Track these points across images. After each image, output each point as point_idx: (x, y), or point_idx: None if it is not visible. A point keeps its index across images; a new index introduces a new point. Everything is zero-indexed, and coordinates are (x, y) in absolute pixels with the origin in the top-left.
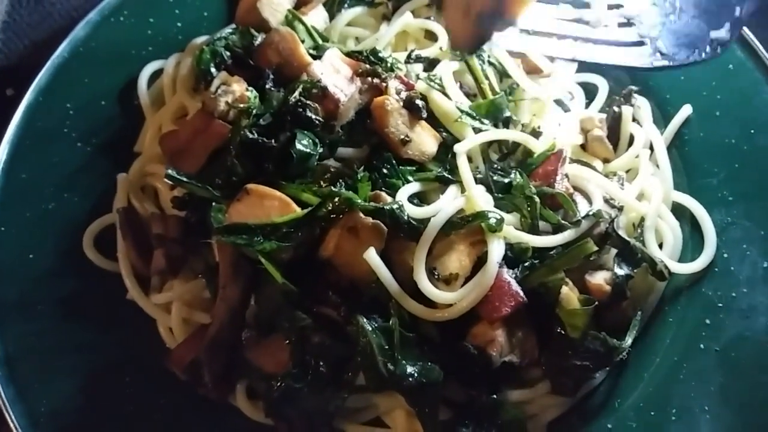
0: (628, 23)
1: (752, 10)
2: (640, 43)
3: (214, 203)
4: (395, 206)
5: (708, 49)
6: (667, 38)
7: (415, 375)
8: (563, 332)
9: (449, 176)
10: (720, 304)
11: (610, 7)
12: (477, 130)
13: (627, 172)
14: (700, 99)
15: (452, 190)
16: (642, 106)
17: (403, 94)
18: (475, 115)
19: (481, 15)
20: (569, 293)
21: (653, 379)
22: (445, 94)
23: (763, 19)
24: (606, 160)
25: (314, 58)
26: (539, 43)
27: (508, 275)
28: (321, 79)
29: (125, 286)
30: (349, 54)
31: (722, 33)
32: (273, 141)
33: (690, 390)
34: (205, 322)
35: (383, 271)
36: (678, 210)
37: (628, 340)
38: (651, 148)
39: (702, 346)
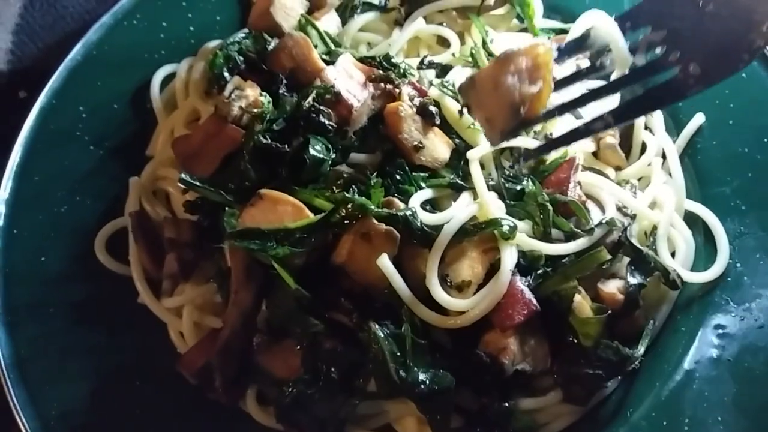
0: (655, 47)
1: None
2: (671, 70)
3: (226, 208)
4: (408, 213)
5: (746, 56)
6: (700, 54)
7: (427, 382)
8: (576, 341)
9: (462, 183)
10: (733, 314)
11: (630, 28)
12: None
13: (639, 180)
14: (713, 107)
15: (465, 196)
16: (654, 114)
17: (417, 101)
18: None
19: (504, 132)
20: (582, 302)
21: (665, 389)
22: (458, 101)
23: None
24: (618, 168)
25: (327, 63)
26: (567, 129)
27: (521, 283)
28: (334, 84)
29: (136, 289)
30: (362, 59)
31: (763, 29)
32: (286, 146)
33: (703, 400)
34: (217, 326)
35: (396, 277)
36: (691, 219)
37: (641, 349)
38: (663, 156)
39: (715, 355)
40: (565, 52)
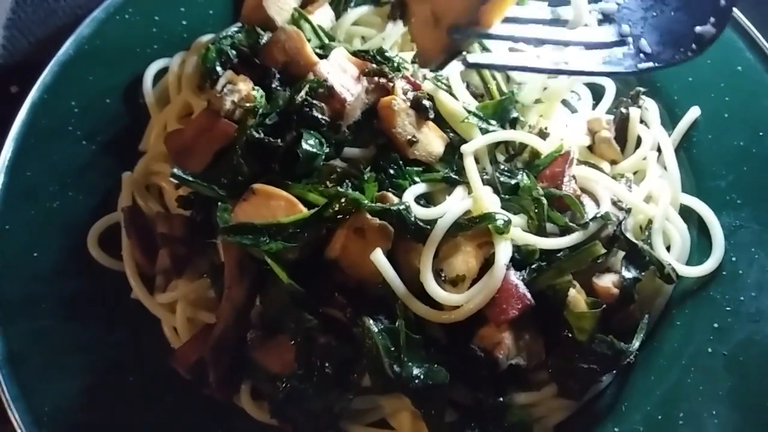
0: (608, 20)
1: None
2: (622, 44)
3: (219, 203)
4: (402, 207)
5: (693, 45)
6: (650, 36)
7: (421, 377)
8: (570, 335)
9: (456, 177)
10: (728, 308)
11: (590, 1)
12: (484, 131)
13: (634, 174)
14: (709, 101)
15: (459, 191)
16: (650, 107)
17: (410, 95)
18: (482, 115)
19: (453, 27)
20: (577, 296)
21: (660, 383)
22: (452, 95)
23: None
24: (613, 162)
25: (320, 57)
26: (513, 57)
27: (515, 277)
28: (327, 78)
29: (130, 285)
30: (356, 53)
31: (707, 27)
32: (279, 140)
33: (698, 394)
34: (210, 321)
35: (390, 272)
36: (686, 213)
37: (636, 344)
38: (659, 150)
39: (710, 349)
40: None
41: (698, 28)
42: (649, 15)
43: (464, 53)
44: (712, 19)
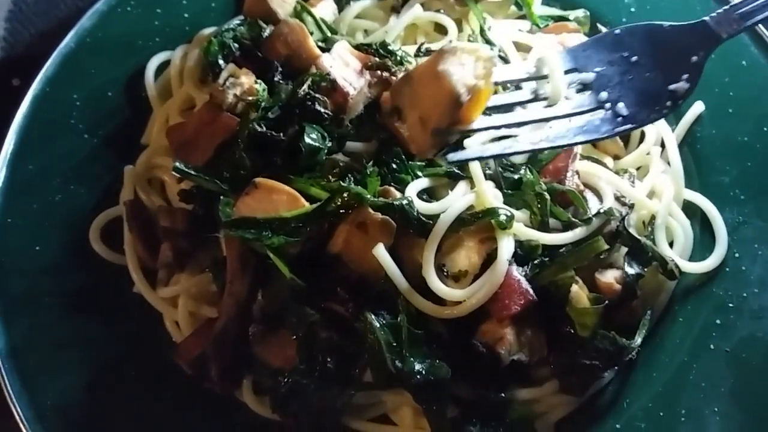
0: (586, 89)
1: (709, 53)
2: (599, 110)
3: (222, 197)
4: (404, 202)
5: (668, 102)
6: (627, 99)
7: (423, 372)
8: (572, 331)
9: (459, 172)
10: (731, 304)
11: (568, 71)
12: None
13: (638, 169)
14: (713, 96)
15: (462, 186)
16: None
17: None
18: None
19: (435, 129)
20: (579, 292)
21: (662, 380)
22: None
23: None
24: (616, 157)
25: (323, 50)
26: (490, 146)
27: (517, 273)
28: (330, 72)
29: (132, 279)
30: (358, 47)
31: (681, 84)
32: (281, 134)
33: (700, 391)
34: (212, 316)
35: (392, 267)
36: (689, 208)
37: (638, 340)
38: (662, 145)
39: (712, 346)
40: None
41: (672, 86)
42: (626, 78)
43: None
44: (684, 76)
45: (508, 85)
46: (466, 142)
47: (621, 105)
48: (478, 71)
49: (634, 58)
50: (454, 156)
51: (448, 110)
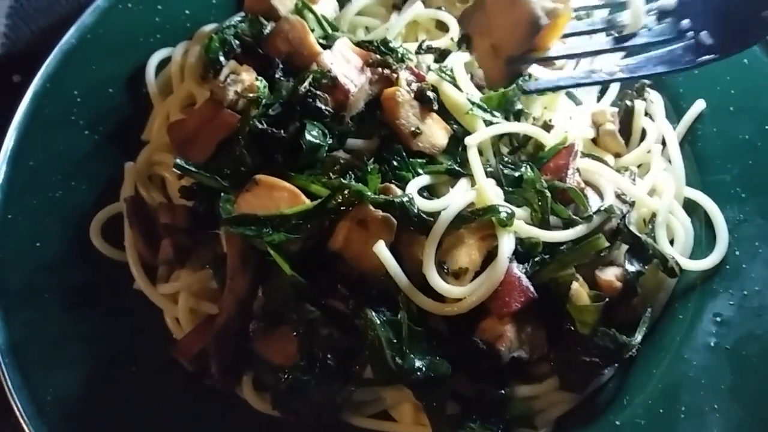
0: (667, 17)
1: None
2: (681, 39)
3: (222, 193)
4: (405, 199)
5: (759, 31)
6: (711, 27)
7: (423, 369)
8: (573, 328)
9: (460, 169)
10: (731, 302)
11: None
12: (488, 123)
13: (639, 167)
14: (714, 94)
15: (463, 183)
16: (655, 100)
17: (414, 86)
18: (486, 107)
19: (509, 57)
20: (579, 289)
21: (662, 377)
22: (456, 86)
23: None
24: (618, 155)
25: (324, 47)
26: (568, 76)
27: (518, 270)
28: (331, 69)
29: (132, 275)
30: (360, 44)
31: None
32: (282, 131)
33: (700, 388)
34: (213, 312)
35: (392, 264)
36: (690, 206)
37: (638, 337)
38: (663, 143)
39: (712, 343)
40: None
41: (765, 12)
42: (709, 6)
43: (523, 79)
44: None
45: (584, 14)
46: (540, 71)
47: (704, 34)
48: None
49: None
50: (529, 85)
51: (525, 36)
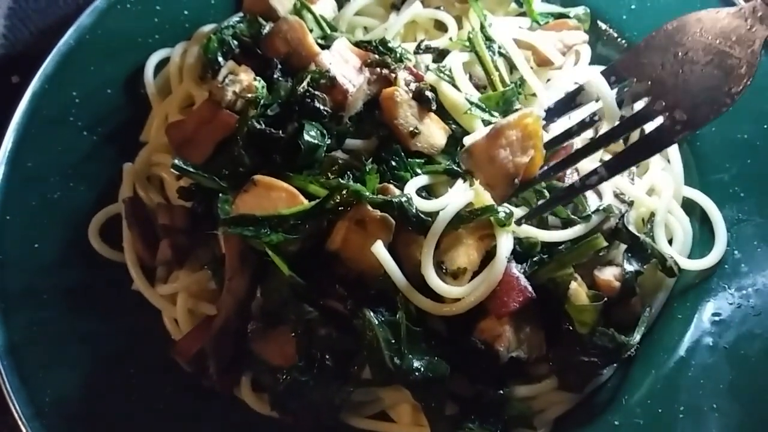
0: (640, 98)
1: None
2: (657, 117)
3: (220, 194)
4: (403, 199)
5: (728, 100)
6: (684, 101)
7: (422, 369)
8: (571, 328)
9: (458, 169)
10: (730, 302)
11: (616, 82)
12: (486, 123)
13: (637, 166)
14: None
15: (461, 183)
16: None
17: (413, 86)
18: (484, 107)
19: (504, 197)
20: (578, 289)
21: (661, 376)
22: (455, 86)
23: None
24: None
25: (322, 47)
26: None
27: (516, 270)
28: (329, 69)
29: (130, 276)
30: (358, 44)
31: (743, 70)
32: (280, 132)
33: (698, 387)
34: (211, 313)
35: (391, 264)
36: (688, 205)
37: (637, 337)
38: None
39: (711, 343)
40: (554, 113)
41: (731, 79)
42: (680, 80)
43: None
44: (747, 55)
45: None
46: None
47: (679, 112)
48: (526, 143)
49: (687, 53)
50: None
51: (508, 184)
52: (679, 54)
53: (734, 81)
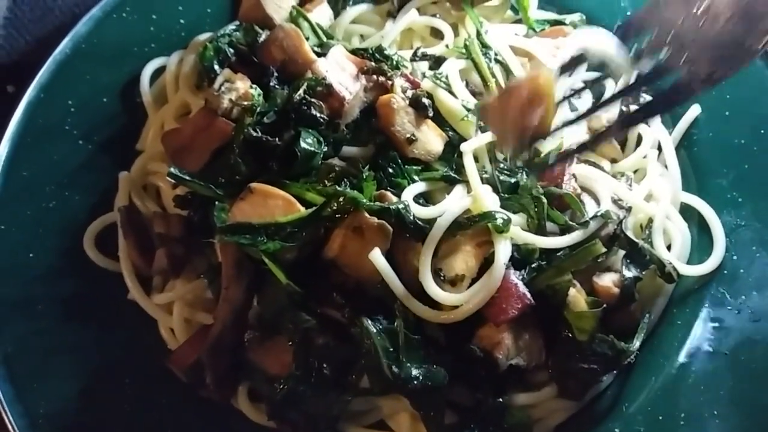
0: (660, 50)
1: None
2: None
3: (217, 202)
4: (401, 206)
5: (747, 57)
6: (703, 56)
7: (420, 378)
8: (570, 335)
9: (455, 176)
10: (729, 307)
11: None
12: (483, 129)
13: (635, 172)
14: (710, 98)
15: (458, 189)
16: None
17: (409, 93)
18: None
19: (516, 150)
20: (577, 295)
21: (661, 383)
22: (452, 93)
23: None
24: (614, 161)
25: (319, 55)
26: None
27: (515, 277)
28: (326, 76)
29: (126, 285)
30: (354, 51)
31: (760, 28)
32: (277, 139)
33: (699, 394)
34: (208, 322)
35: (388, 272)
36: (686, 211)
37: (636, 343)
38: (659, 148)
39: (711, 349)
40: (563, 70)
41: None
42: (700, 33)
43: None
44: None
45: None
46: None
47: (696, 66)
48: (537, 102)
49: (710, 4)
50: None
51: (521, 140)
52: (697, 7)
53: (756, 37)
